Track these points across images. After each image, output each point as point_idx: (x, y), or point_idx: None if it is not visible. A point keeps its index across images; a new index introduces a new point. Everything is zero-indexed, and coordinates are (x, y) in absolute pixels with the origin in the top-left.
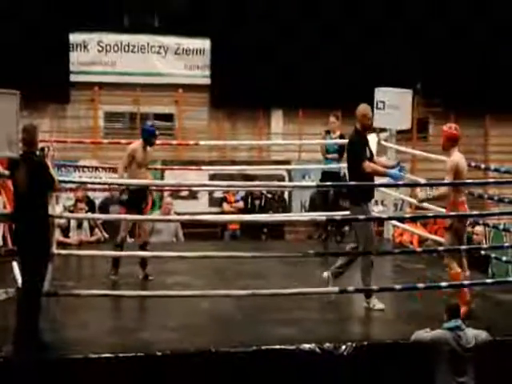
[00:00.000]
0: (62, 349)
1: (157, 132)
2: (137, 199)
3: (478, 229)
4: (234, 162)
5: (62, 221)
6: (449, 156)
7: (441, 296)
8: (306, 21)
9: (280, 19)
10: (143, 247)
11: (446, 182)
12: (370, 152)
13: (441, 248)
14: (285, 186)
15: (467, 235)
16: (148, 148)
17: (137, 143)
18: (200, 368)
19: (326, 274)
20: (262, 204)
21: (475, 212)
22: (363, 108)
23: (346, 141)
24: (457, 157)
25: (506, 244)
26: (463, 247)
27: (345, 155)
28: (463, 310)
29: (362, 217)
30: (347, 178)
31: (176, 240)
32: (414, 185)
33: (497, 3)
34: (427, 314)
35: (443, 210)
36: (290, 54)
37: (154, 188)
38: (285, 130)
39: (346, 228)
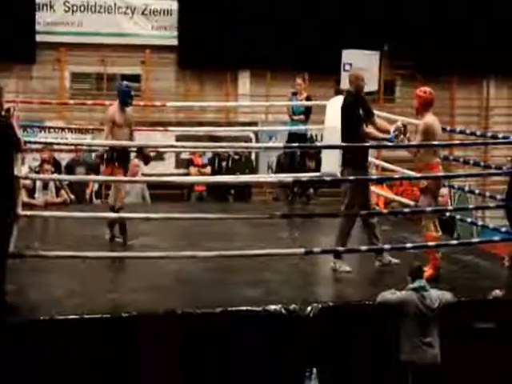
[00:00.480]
0: (28, 310)
1: (132, 92)
2: (122, 158)
3: (444, 191)
4: (201, 124)
5: (28, 182)
6: (422, 119)
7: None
8: None
9: None
10: (116, 210)
11: (413, 143)
12: (370, 111)
13: (406, 210)
14: (251, 147)
15: None
16: (127, 109)
17: (114, 106)
18: (167, 329)
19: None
20: (229, 165)
21: (441, 173)
22: (356, 70)
23: (312, 102)
24: (430, 119)
25: (471, 206)
26: (430, 208)
27: (311, 117)
28: (432, 272)
29: (328, 178)
30: (319, 139)
31: (143, 201)
32: (379, 146)
33: None
34: (393, 275)
35: (409, 172)
36: (257, 15)
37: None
38: (252, 91)
39: (311, 190)
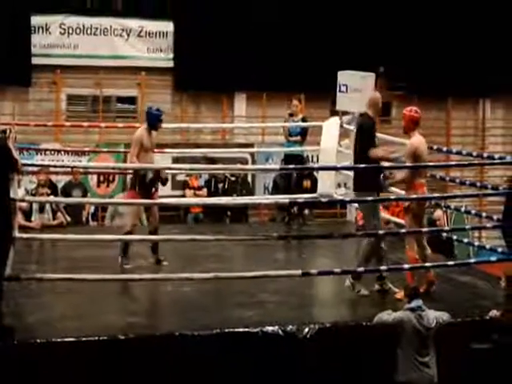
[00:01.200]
0: (24, 333)
1: (163, 116)
2: (146, 184)
3: (439, 213)
4: (197, 145)
5: (24, 204)
6: (409, 139)
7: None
8: (269, 3)
9: (243, 2)
10: (154, 233)
11: (407, 165)
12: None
13: (403, 230)
14: (248, 169)
15: (429, 218)
16: (154, 132)
17: (141, 129)
18: (164, 352)
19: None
20: (226, 187)
21: (436, 194)
22: (375, 94)
23: (308, 124)
24: (416, 140)
25: (468, 226)
26: (425, 229)
27: (307, 138)
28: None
29: (324, 199)
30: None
31: (140, 223)
32: (376, 167)
33: None
34: (389, 296)
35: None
36: (253, 36)
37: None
38: (248, 113)
39: (306, 211)
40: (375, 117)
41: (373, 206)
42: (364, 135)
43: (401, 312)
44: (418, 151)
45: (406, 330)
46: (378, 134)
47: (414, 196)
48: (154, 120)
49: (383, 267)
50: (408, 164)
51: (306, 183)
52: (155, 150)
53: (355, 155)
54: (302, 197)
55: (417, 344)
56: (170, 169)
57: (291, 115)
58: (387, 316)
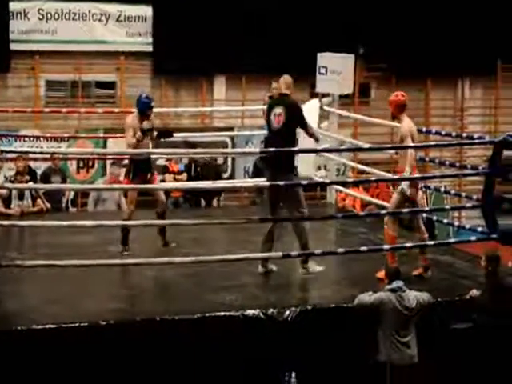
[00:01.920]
0: (5, 320)
1: (152, 103)
2: (140, 169)
3: (419, 194)
4: (177, 130)
5: (3, 191)
6: (399, 122)
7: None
8: None
9: None
10: (161, 216)
11: (384, 146)
12: None
13: (383, 211)
14: (228, 153)
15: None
16: (145, 120)
17: (132, 115)
18: (145, 337)
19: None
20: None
21: (416, 175)
22: (287, 76)
23: None
24: (409, 123)
25: (448, 206)
26: (405, 210)
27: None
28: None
29: (304, 182)
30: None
31: (119, 209)
32: (356, 149)
33: None
34: (370, 277)
35: (385, 174)
36: (231, 19)
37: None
38: (228, 96)
39: None
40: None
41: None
42: (300, 117)
43: (381, 293)
44: (412, 132)
45: (386, 311)
46: (357, 116)
47: (397, 176)
48: (143, 107)
49: (362, 248)
50: (390, 145)
51: None
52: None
53: (277, 133)
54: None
55: (397, 324)
56: (148, 153)
57: (271, 98)
58: (368, 298)
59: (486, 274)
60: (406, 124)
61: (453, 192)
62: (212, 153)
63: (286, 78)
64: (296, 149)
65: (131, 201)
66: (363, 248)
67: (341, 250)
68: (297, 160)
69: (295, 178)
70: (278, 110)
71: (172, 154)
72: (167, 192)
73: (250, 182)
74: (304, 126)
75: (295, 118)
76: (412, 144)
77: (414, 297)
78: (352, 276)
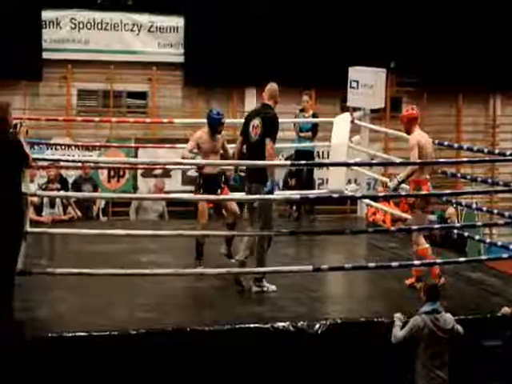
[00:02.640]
0: (36, 327)
1: (223, 119)
2: (209, 184)
3: (450, 211)
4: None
5: (35, 199)
6: (415, 136)
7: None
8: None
9: None
10: (231, 227)
11: (417, 161)
12: None
13: (414, 227)
14: (258, 164)
15: (441, 215)
16: (217, 135)
17: (202, 131)
18: (175, 347)
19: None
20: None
21: (448, 191)
22: (273, 85)
23: (319, 119)
24: (418, 134)
25: (479, 223)
26: (436, 226)
27: (318, 134)
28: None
29: (335, 195)
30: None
31: (160, 219)
32: (387, 163)
33: None
34: (401, 292)
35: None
36: (263, 32)
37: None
38: None
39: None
40: (274, 107)
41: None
42: (270, 126)
43: (416, 317)
44: (420, 144)
45: (422, 335)
46: (388, 130)
47: (425, 192)
48: (214, 123)
49: (393, 263)
50: (417, 161)
51: (291, 182)
52: (166, 146)
53: (254, 145)
54: (313, 192)
55: (433, 348)
56: (179, 164)
57: (302, 111)
58: (401, 332)
59: None
60: (415, 135)
61: (484, 209)
62: (242, 164)
63: (269, 87)
64: (327, 162)
65: (202, 215)
66: (394, 263)
67: (371, 264)
68: (327, 174)
69: (263, 190)
70: (256, 121)
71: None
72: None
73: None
74: (269, 137)
75: (270, 130)
76: (443, 160)
77: (450, 319)
78: (382, 291)
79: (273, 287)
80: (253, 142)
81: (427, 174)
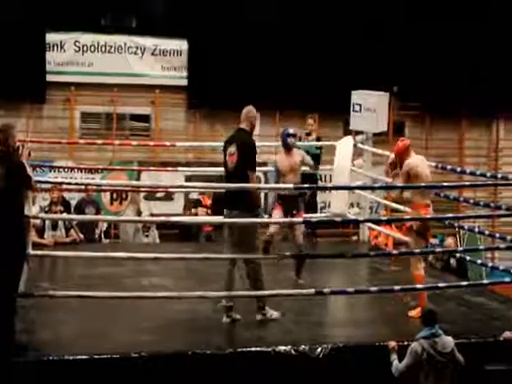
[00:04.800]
0: (38, 350)
1: (289, 140)
2: (286, 205)
3: (450, 241)
4: (211, 164)
5: (37, 221)
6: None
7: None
8: (282, 23)
9: (257, 21)
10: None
11: (420, 184)
12: None
13: (417, 251)
14: (261, 188)
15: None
16: (294, 155)
17: (280, 153)
18: (176, 370)
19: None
20: None
21: (450, 215)
22: (250, 108)
23: (323, 143)
24: (413, 160)
25: (481, 247)
26: (439, 249)
27: (322, 158)
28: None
29: (338, 219)
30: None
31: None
32: (390, 187)
33: (475, 6)
34: (403, 316)
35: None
36: (266, 56)
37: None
38: (262, 131)
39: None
40: (251, 131)
41: (254, 226)
42: (249, 153)
43: (414, 344)
44: (413, 171)
45: (421, 361)
46: (391, 154)
47: (428, 216)
48: (284, 140)
49: (396, 287)
50: (414, 184)
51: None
52: (169, 169)
53: (231, 174)
54: (315, 216)
55: (435, 374)
56: (182, 187)
57: (308, 134)
58: (402, 363)
59: None
60: (408, 161)
61: (487, 232)
62: (244, 188)
63: (245, 110)
64: (330, 186)
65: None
66: (396, 287)
67: (373, 288)
68: (330, 197)
69: (249, 216)
70: (232, 148)
71: (205, 188)
72: (199, 226)
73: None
74: (251, 168)
75: (247, 158)
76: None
77: (449, 341)
78: (384, 315)
79: (276, 314)
80: (230, 170)
81: (427, 199)
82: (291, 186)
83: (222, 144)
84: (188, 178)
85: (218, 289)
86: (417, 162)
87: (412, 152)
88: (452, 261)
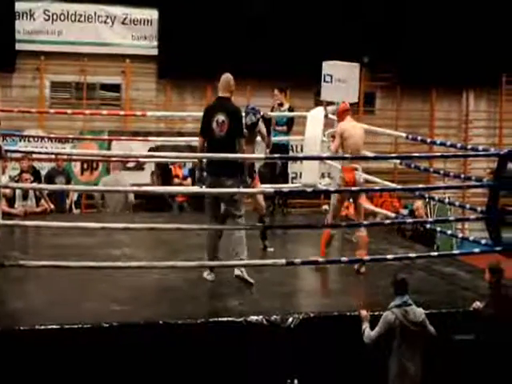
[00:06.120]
0: (8, 320)
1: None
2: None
3: (418, 204)
4: (181, 134)
5: (8, 191)
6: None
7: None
8: None
9: None
10: (260, 220)
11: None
12: None
13: (387, 221)
14: (233, 158)
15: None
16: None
17: None
18: (147, 340)
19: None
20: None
21: (420, 185)
22: (225, 75)
23: (294, 113)
24: (343, 124)
25: (452, 217)
26: (410, 220)
27: (294, 128)
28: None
29: (309, 189)
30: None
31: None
32: (360, 158)
33: None
34: (374, 286)
35: (390, 184)
36: (236, 24)
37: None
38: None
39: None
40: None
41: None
42: (236, 120)
43: (386, 313)
44: (344, 134)
45: (393, 330)
46: (361, 125)
47: (400, 187)
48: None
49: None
50: (395, 155)
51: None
52: (139, 138)
53: (220, 142)
54: (287, 186)
55: (406, 342)
56: (152, 157)
57: (280, 105)
58: (373, 331)
59: (489, 286)
60: (341, 124)
61: (457, 203)
62: (215, 157)
63: (223, 79)
64: (301, 156)
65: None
66: (366, 257)
67: (344, 258)
68: (301, 168)
69: (238, 182)
70: (221, 117)
71: (176, 158)
72: (172, 196)
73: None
74: (240, 136)
75: (237, 126)
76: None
77: (420, 312)
78: (354, 285)
79: (251, 280)
80: (218, 138)
81: (355, 163)
82: (262, 156)
83: (195, 113)
84: (159, 148)
85: (189, 259)
86: (346, 126)
87: (348, 116)
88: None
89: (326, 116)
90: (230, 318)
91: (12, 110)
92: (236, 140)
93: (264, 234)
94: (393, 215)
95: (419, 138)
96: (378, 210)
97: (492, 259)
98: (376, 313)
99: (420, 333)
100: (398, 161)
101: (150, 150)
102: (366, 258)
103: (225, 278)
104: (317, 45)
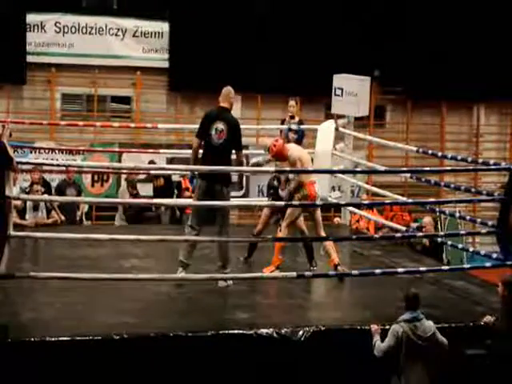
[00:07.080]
0: (19, 331)
1: None
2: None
3: (426, 220)
4: (191, 146)
5: (18, 202)
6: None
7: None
8: (265, 6)
9: (239, 3)
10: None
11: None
12: None
13: (397, 234)
14: (243, 170)
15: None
16: None
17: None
18: (158, 352)
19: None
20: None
21: (431, 199)
22: (226, 87)
23: (305, 126)
24: (292, 150)
25: (462, 231)
26: (420, 234)
27: (304, 141)
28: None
29: (320, 202)
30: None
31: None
32: (371, 171)
33: None
34: (384, 299)
35: (400, 198)
36: (248, 38)
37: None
38: (243, 114)
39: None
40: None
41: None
42: (238, 133)
43: (394, 326)
44: (299, 158)
45: (403, 345)
46: (372, 138)
47: (410, 200)
48: None
49: (377, 270)
50: (405, 169)
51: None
52: (150, 151)
53: (217, 149)
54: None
55: (413, 357)
56: (164, 169)
57: (292, 117)
58: (384, 344)
59: (502, 301)
60: (291, 153)
61: (468, 217)
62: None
63: (224, 90)
64: (311, 169)
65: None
66: (377, 271)
67: (355, 272)
68: None
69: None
70: (220, 125)
71: (185, 171)
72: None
73: (265, 201)
74: (239, 148)
75: (235, 138)
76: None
77: (429, 326)
78: (366, 298)
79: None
80: (216, 145)
81: (311, 177)
82: (273, 169)
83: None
84: (169, 160)
85: (199, 271)
86: (296, 150)
87: (286, 145)
88: (424, 240)
89: (336, 129)
90: (240, 331)
91: (23, 122)
92: (231, 150)
93: (310, 254)
94: (403, 228)
95: (430, 151)
96: (388, 223)
97: (503, 273)
98: (387, 326)
99: (429, 348)
100: (408, 174)
101: (149, 162)
102: (377, 271)
103: (235, 289)
104: (327, 59)
